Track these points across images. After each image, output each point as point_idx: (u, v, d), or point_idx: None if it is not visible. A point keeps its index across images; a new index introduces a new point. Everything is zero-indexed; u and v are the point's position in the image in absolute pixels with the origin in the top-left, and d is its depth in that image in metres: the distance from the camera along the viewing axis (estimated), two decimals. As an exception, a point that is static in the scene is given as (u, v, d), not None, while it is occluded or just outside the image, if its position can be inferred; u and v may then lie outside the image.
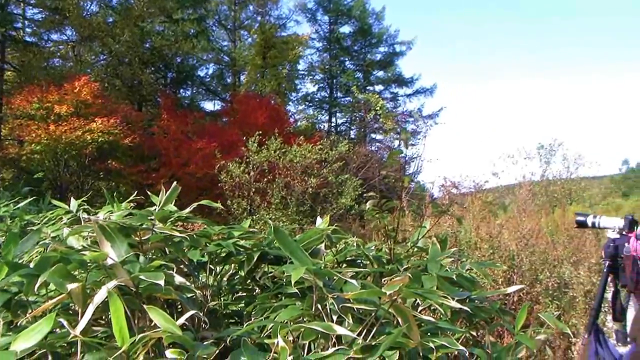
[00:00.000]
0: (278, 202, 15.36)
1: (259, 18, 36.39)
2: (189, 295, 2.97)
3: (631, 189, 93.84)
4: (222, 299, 3.74)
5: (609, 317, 7.14)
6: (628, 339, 6.22)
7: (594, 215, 6.26)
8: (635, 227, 6.04)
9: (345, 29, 43.12)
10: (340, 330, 2.38)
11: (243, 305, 3.62)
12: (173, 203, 3.70)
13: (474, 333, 3.38)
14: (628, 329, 6.06)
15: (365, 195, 15.27)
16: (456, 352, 2.75)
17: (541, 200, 19.81)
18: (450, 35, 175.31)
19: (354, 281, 2.70)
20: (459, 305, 2.56)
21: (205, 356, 2.35)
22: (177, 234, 3.17)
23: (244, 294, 3.78)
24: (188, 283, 2.87)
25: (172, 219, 3.52)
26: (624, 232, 5.97)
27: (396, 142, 29.87)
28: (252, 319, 3.07)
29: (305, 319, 2.68)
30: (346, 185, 17.33)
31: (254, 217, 14.63)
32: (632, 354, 5.67)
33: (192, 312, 2.60)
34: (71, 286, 2.48)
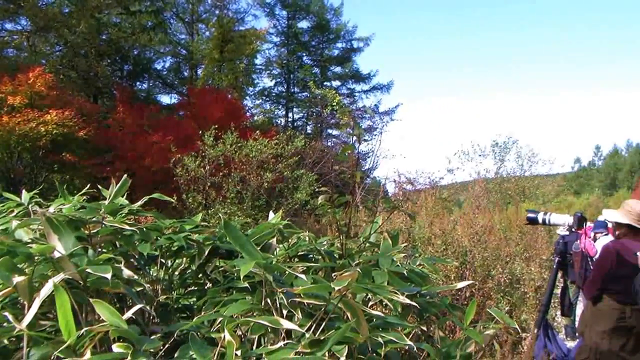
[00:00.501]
0: (234, 197, 15.33)
1: (217, 11, 36.18)
2: (139, 289, 2.94)
3: (583, 187, 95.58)
4: (174, 293, 3.72)
5: (559, 313, 7.27)
6: (577, 334, 6.34)
7: (545, 213, 6.38)
8: (584, 225, 6.16)
9: (303, 24, 43.25)
10: (287, 324, 2.38)
11: (195, 299, 3.60)
12: (127, 197, 3.66)
13: (425, 328, 3.40)
14: (577, 324, 6.16)
15: (320, 190, 15.23)
16: (407, 347, 2.76)
17: (495, 197, 20.04)
18: (410, 31, 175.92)
19: (303, 276, 2.71)
20: (407, 301, 2.57)
21: (152, 350, 2.33)
22: (127, 227, 3.14)
23: (196, 288, 3.76)
24: (136, 277, 2.84)
25: (122, 212, 3.49)
26: (573, 229, 6.10)
27: (352, 138, 30.00)
28: (203, 313, 3.06)
29: (255, 314, 2.67)
30: (302, 180, 17.36)
31: (210, 211, 14.59)
32: (579, 347, 5.78)
33: (139, 305, 2.58)
34: (17, 279, 2.44)
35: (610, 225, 6.22)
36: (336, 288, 2.36)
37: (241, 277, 2.65)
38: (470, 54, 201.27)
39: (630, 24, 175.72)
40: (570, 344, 6.48)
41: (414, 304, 2.71)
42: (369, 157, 24.61)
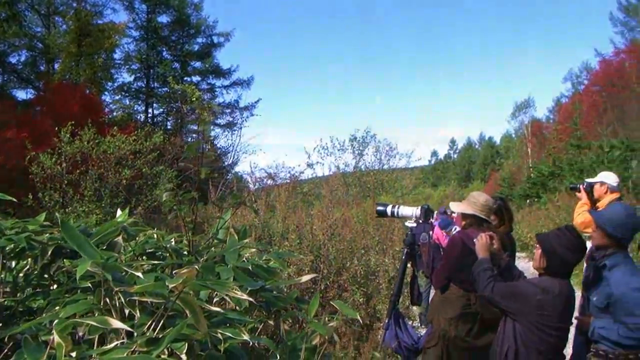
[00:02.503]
0: (91, 194, 14.94)
1: (74, 4, 35.09)
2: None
3: (439, 179, 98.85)
4: (19, 295, 3.60)
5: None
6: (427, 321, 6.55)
7: (393, 205, 6.55)
8: (431, 216, 6.38)
9: (163, 19, 42.61)
10: (115, 323, 2.35)
11: (42, 301, 3.50)
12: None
13: (272, 322, 3.42)
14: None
15: (184, 186, 15.10)
16: (256, 343, 2.79)
17: (354, 191, 20.37)
18: (273, 27, 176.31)
19: (140, 274, 2.67)
20: (245, 297, 2.59)
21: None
22: (-39, 229, 3.02)
23: (41, 290, 3.65)
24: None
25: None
26: (420, 221, 6.29)
27: (212, 132, 29.81)
28: (45, 314, 2.98)
29: (96, 314, 2.62)
30: (161, 177, 17.11)
31: (67, 209, 14.17)
32: (428, 334, 5.97)
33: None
34: None
35: (455, 215, 6.46)
36: (170, 286, 2.35)
37: (77, 278, 2.59)
38: (336, 52, 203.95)
39: (479, 27, 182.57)
40: (423, 332, 6.68)
41: (251, 299, 2.72)
42: (229, 153, 24.62)
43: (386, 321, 6.22)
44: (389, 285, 8.42)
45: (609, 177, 7.70)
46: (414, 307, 8.28)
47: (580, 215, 7.44)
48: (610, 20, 48.86)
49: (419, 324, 8.67)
